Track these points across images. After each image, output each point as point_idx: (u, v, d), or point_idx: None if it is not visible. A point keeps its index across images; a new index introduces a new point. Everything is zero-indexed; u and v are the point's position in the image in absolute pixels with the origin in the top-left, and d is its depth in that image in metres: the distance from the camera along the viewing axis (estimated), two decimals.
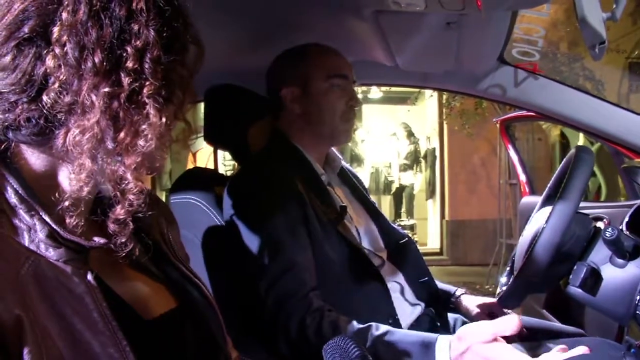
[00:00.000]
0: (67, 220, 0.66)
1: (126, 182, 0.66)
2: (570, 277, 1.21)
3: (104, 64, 0.62)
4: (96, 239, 0.70)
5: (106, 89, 0.62)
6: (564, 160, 1.40)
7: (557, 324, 1.72)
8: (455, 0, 1.04)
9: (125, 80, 0.63)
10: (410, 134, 8.66)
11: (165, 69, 0.66)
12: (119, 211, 0.67)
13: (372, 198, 1.67)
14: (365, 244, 1.43)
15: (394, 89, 7.60)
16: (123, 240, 0.69)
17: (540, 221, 1.31)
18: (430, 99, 7.86)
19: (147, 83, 0.64)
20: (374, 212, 1.57)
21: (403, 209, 9.00)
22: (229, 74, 1.60)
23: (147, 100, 0.64)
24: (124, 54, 0.63)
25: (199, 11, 1.25)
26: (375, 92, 8.41)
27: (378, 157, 9.10)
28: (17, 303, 0.58)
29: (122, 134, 0.64)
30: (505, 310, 1.51)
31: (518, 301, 1.38)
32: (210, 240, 1.38)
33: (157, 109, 0.65)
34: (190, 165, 5.85)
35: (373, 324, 1.14)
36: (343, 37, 1.48)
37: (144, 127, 0.65)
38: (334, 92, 1.41)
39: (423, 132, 8.61)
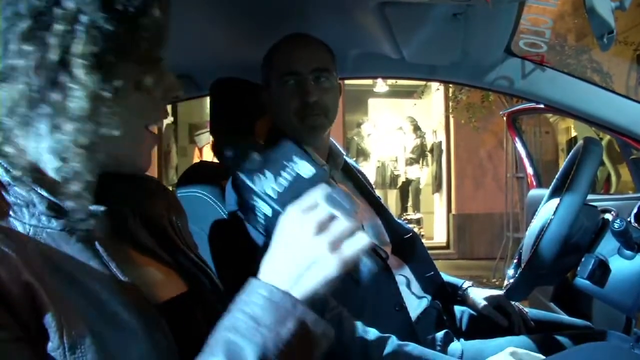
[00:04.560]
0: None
1: (67, 150, 0.65)
2: (578, 269, 1.20)
3: (31, 28, 0.62)
4: (94, 207, 0.69)
5: (32, 49, 0.62)
6: (572, 151, 1.39)
7: (564, 317, 1.72)
8: None
9: (53, 41, 0.62)
10: (416, 128, 8.65)
11: (104, 31, 0.64)
12: (68, 185, 0.66)
13: (378, 192, 1.67)
14: (369, 237, 1.43)
15: (400, 82, 7.60)
16: (81, 216, 0.67)
17: (548, 213, 1.30)
18: (436, 93, 7.85)
19: (79, 43, 0.63)
20: (378, 207, 1.57)
21: (409, 203, 9.00)
22: (234, 67, 1.60)
23: (76, 61, 0.63)
24: (55, 16, 0.62)
25: (204, 5, 1.25)
26: (381, 85, 8.40)
27: (384, 151, 9.09)
28: (26, 271, 0.59)
29: (54, 95, 0.63)
30: (513, 302, 1.51)
31: (525, 293, 1.37)
32: (216, 233, 1.39)
33: (88, 68, 0.64)
34: (196, 160, 5.88)
35: (393, 336, 1.15)
36: (348, 30, 1.47)
37: (75, 88, 0.64)
38: (286, 90, 1.37)
39: (429, 126, 8.60)
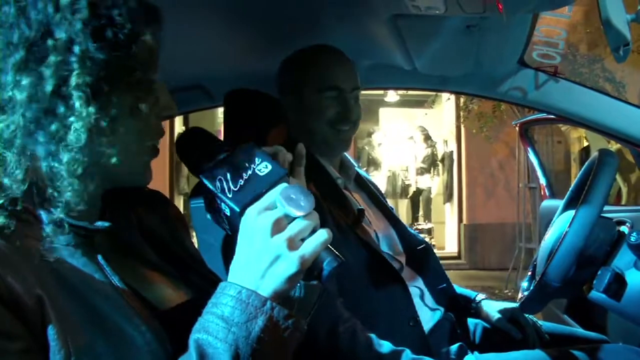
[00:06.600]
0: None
1: (61, 180, 0.66)
2: (594, 282, 1.19)
3: (26, 59, 0.63)
4: (99, 223, 0.73)
5: (27, 81, 0.63)
6: (587, 163, 1.38)
7: (579, 330, 1.70)
8: (475, 3, 1.03)
9: (47, 73, 0.64)
10: (427, 137, 8.62)
11: (97, 61, 0.65)
12: (55, 213, 0.67)
13: (389, 202, 1.66)
14: (383, 247, 1.42)
15: (410, 92, 7.57)
16: (86, 232, 0.70)
17: (563, 225, 1.29)
18: (447, 102, 7.83)
19: (74, 74, 0.64)
20: (391, 217, 1.56)
21: (420, 213, 8.96)
22: (247, 78, 1.60)
23: (73, 92, 0.64)
24: (48, 47, 0.64)
25: (217, 16, 1.26)
26: (392, 95, 8.40)
27: (395, 160, 9.06)
28: (38, 284, 0.61)
29: (53, 127, 0.65)
30: (527, 315, 1.50)
31: (540, 307, 1.36)
32: (230, 244, 1.38)
33: (84, 99, 0.64)
34: None
35: (407, 349, 1.14)
36: (361, 41, 1.47)
37: (71, 119, 0.65)
38: (325, 103, 1.40)
39: (440, 135, 8.57)
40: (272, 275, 0.65)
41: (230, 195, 0.70)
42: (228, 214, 0.71)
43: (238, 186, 0.70)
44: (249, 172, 0.71)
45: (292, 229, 0.66)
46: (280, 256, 0.65)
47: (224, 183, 0.70)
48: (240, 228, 0.68)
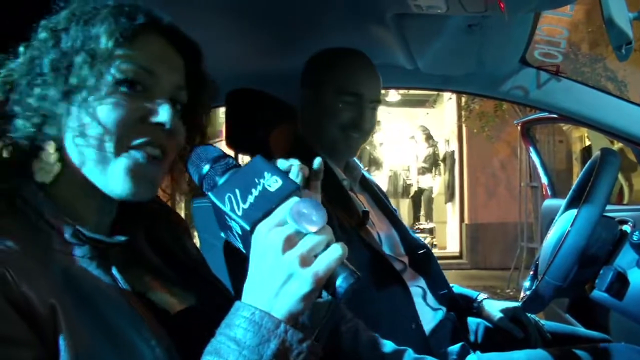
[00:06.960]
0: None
1: None
2: (597, 281, 1.19)
3: None
4: (117, 237, 0.74)
5: None
6: (589, 162, 1.38)
7: (581, 329, 1.69)
8: (477, 2, 1.03)
9: None
10: (428, 137, 8.62)
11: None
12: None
13: (391, 202, 1.66)
14: (386, 249, 1.42)
15: (412, 91, 7.58)
16: (103, 245, 0.73)
17: (565, 225, 1.29)
18: (449, 102, 7.83)
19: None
20: (394, 220, 1.56)
21: (422, 213, 8.96)
22: (250, 78, 1.60)
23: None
24: None
25: (218, 16, 1.26)
26: (394, 95, 8.39)
27: (396, 160, 9.07)
28: (52, 293, 0.61)
29: None
30: (529, 315, 1.49)
31: (542, 306, 1.35)
32: (232, 244, 1.39)
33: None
34: None
35: (409, 349, 1.14)
36: (364, 41, 1.47)
37: None
38: (341, 106, 1.40)
39: (442, 135, 8.57)
40: (285, 294, 0.62)
41: (240, 213, 0.67)
42: (239, 232, 0.68)
43: (248, 203, 0.67)
44: (259, 187, 0.69)
45: (304, 245, 0.63)
46: (293, 274, 0.62)
47: (233, 200, 0.68)
48: (252, 246, 0.66)
